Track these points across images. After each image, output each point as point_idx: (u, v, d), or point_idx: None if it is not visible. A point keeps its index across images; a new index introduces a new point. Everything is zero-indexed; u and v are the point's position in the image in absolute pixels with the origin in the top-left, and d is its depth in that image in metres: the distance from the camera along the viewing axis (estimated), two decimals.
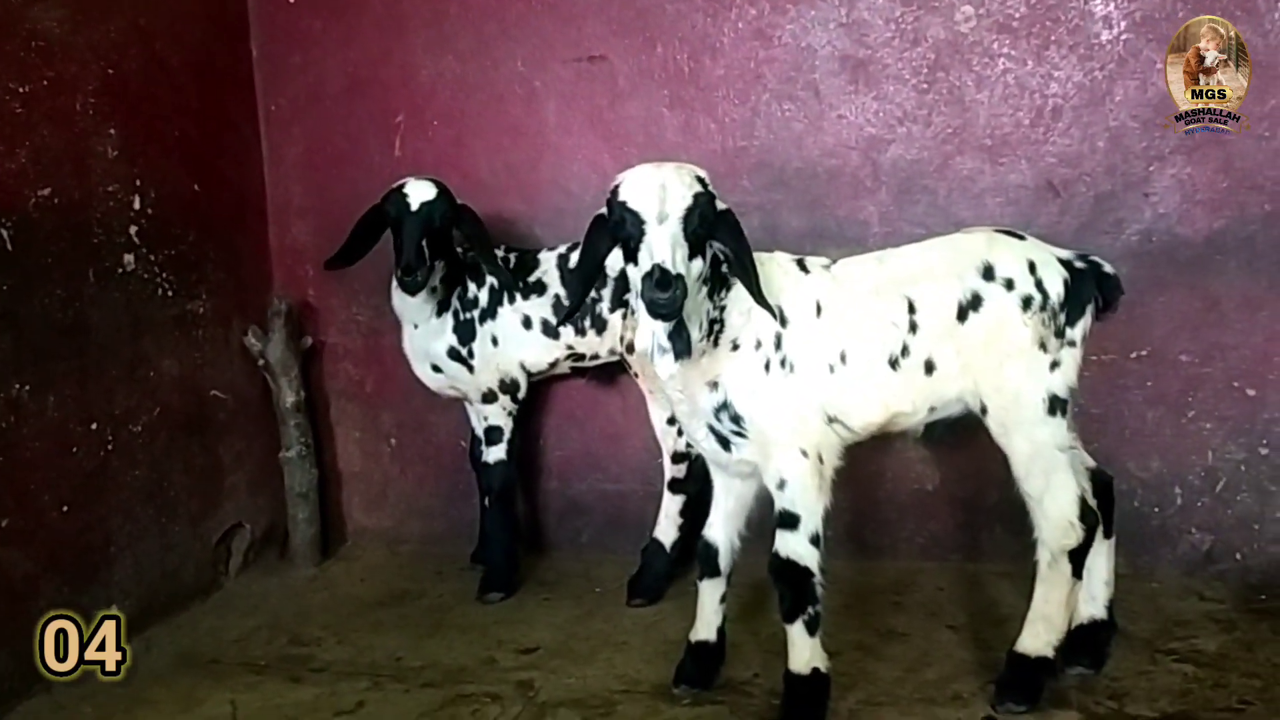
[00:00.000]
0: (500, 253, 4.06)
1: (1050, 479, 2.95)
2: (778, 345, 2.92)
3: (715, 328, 2.89)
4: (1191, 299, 3.87)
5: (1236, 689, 3.13)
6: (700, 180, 2.74)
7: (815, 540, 2.91)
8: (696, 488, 3.90)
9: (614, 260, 3.02)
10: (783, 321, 2.92)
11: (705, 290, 2.82)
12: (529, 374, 4.14)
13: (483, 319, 4.07)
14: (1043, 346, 2.94)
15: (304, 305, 4.69)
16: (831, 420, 2.97)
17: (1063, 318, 2.96)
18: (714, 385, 2.92)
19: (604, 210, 2.80)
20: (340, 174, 4.58)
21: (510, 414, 4.13)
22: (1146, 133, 3.84)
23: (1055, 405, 2.95)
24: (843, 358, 2.95)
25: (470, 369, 4.06)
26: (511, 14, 4.33)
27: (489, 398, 4.10)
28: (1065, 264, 3.01)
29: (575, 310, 3.25)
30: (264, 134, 4.68)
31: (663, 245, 2.61)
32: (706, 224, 2.71)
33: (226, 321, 4.40)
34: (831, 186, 4.11)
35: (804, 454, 2.91)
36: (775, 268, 3.00)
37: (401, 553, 4.71)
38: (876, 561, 4.22)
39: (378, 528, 4.84)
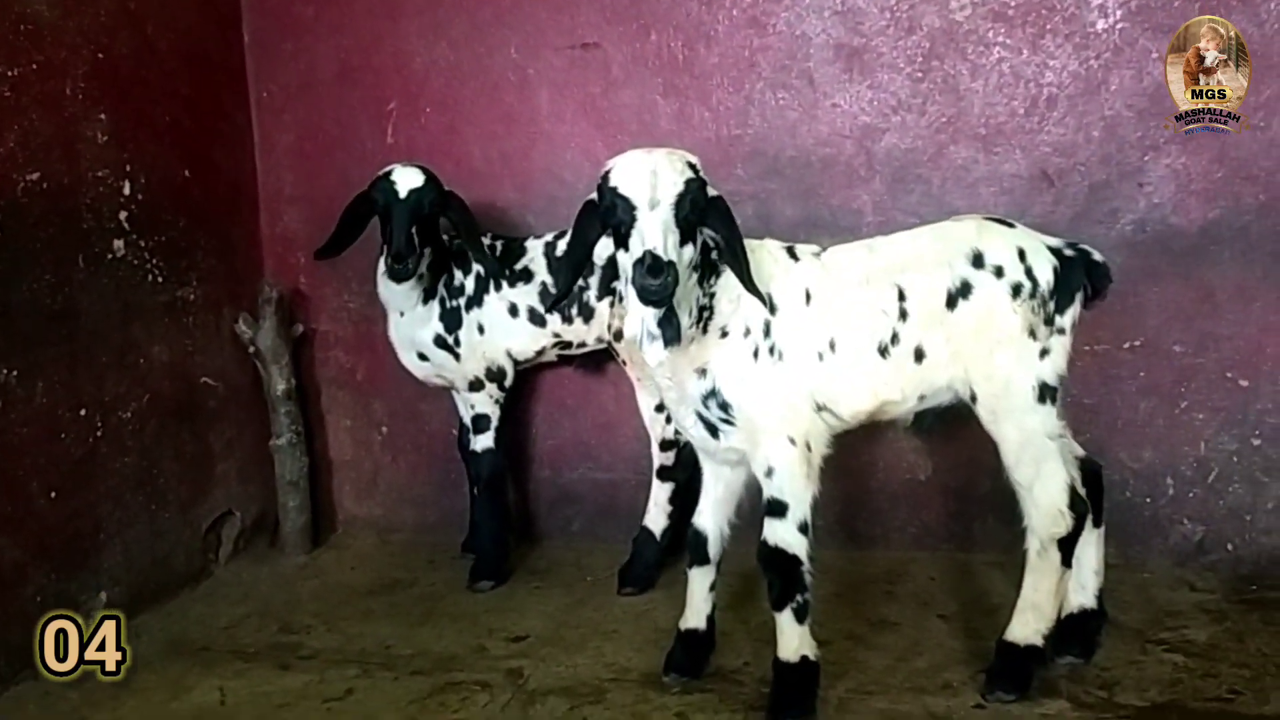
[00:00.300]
0: (487, 240, 4.04)
1: (1040, 467, 2.95)
2: (767, 333, 2.91)
3: (704, 315, 2.87)
4: (1185, 289, 3.86)
5: (1226, 679, 3.14)
6: (692, 166, 2.73)
7: (803, 528, 2.90)
8: (685, 475, 3.87)
9: (602, 248, 3.01)
10: (772, 309, 2.91)
11: (695, 277, 2.81)
12: (516, 362, 4.12)
13: (469, 307, 4.04)
14: (1032, 334, 2.94)
15: (295, 292, 4.68)
16: (820, 408, 2.97)
17: (1052, 305, 2.96)
18: (702, 372, 2.91)
19: (594, 196, 2.79)
20: (332, 161, 4.56)
21: (497, 402, 4.12)
22: (1141, 122, 3.83)
23: (1045, 393, 2.96)
24: (832, 345, 2.94)
25: (456, 357, 4.04)
26: (505, 1, 4.31)
27: (476, 386, 4.08)
28: (1054, 252, 3.01)
29: (563, 297, 3.24)
30: (255, 120, 4.65)
31: (654, 231, 2.60)
32: (698, 210, 2.69)
33: (217, 308, 4.38)
34: (826, 175, 4.10)
35: (792, 442, 2.90)
36: (765, 255, 2.99)
37: (392, 541, 4.70)
38: (868, 551, 4.23)
39: (368, 516, 4.83)
